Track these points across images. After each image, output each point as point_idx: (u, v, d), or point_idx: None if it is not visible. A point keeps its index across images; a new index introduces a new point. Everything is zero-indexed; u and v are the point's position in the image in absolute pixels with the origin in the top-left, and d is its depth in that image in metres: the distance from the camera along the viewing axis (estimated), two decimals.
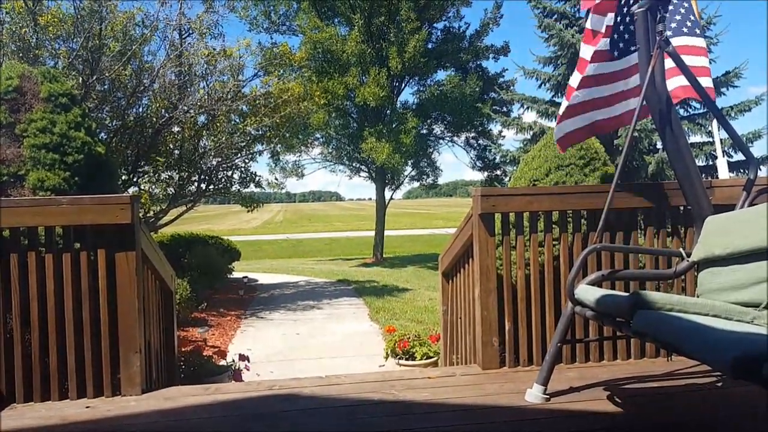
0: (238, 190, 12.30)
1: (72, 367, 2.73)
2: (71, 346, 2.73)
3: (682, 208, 3.12)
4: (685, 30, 3.44)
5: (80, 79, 8.34)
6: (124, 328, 2.78)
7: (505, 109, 19.43)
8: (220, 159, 11.33)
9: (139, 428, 2.42)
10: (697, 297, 2.46)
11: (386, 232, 23.52)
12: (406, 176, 23.18)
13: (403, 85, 21.14)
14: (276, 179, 17.03)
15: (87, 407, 2.65)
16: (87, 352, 2.75)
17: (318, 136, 21.70)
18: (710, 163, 12.65)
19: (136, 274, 2.79)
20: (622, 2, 3.11)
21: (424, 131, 21.71)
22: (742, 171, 12.11)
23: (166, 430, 2.40)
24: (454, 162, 38.60)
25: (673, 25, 3.44)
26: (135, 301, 2.79)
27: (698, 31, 3.50)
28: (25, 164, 3.26)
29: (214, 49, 10.20)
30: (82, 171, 3.40)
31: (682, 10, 3.50)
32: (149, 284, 3.26)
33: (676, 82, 3.27)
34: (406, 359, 5.24)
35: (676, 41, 3.26)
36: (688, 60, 3.16)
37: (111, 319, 2.78)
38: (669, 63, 2.71)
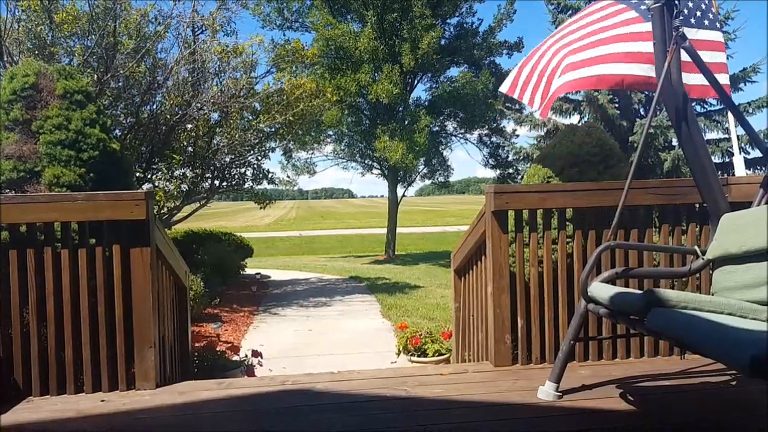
0: (251, 187, 12.35)
1: (87, 361, 2.77)
2: (86, 341, 2.77)
3: (697, 205, 3.08)
4: (706, 23, 3.40)
5: (95, 76, 8.41)
6: (139, 323, 2.81)
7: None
8: (233, 156, 11.38)
9: (154, 422, 2.45)
10: (712, 295, 2.43)
11: (398, 230, 23.50)
12: (419, 174, 23.14)
13: (416, 81, 21.08)
14: (288, 176, 17.10)
15: (102, 401, 2.68)
16: (102, 346, 2.79)
17: (330, 133, 21.73)
18: (727, 160, 12.48)
19: (150, 269, 2.82)
20: None
21: (437, 128, 21.63)
22: (759, 168, 11.93)
23: (181, 424, 2.42)
24: (466, 159, 38.37)
25: (692, 20, 3.39)
26: (149, 297, 2.81)
27: (718, 25, 3.46)
28: (41, 160, 3.30)
29: (227, 46, 10.24)
30: (97, 167, 3.44)
31: (703, 7, 3.46)
32: (163, 280, 3.29)
33: (693, 79, 3.23)
34: (418, 356, 5.24)
35: (693, 34, 3.22)
36: (706, 56, 3.12)
37: (126, 314, 2.81)
38: (685, 57, 2.67)
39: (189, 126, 10.27)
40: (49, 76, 3.53)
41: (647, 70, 3.20)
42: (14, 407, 2.61)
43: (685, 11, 3.36)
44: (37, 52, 8.01)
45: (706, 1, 3.46)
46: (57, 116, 3.40)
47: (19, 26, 8.11)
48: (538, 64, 3.52)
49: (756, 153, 12.00)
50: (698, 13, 3.42)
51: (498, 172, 21.44)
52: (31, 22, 8.19)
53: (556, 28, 13.99)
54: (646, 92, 12.60)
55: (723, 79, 3.21)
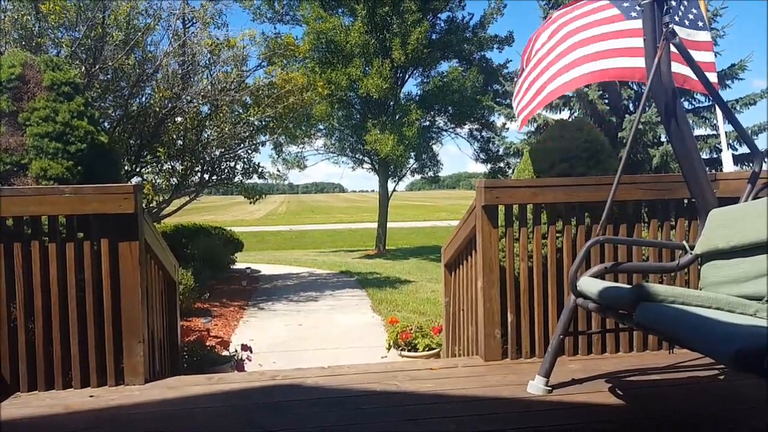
0: (241, 180, 12.30)
1: (75, 357, 2.75)
2: (75, 336, 2.74)
3: (686, 200, 3.11)
4: (687, 23, 3.42)
5: (83, 68, 8.32)
6: (128, 317, 2.79)
7: (508, 100, 19.33)
8: (222, 149, 11.31)
9: (143, 417, 2.44)
10: (700, 290, 2.46)
11: (389, 224, 23.50)
12: (409, 169, 23.15)
13: (407, 76, 21.05)
14: (278, 170, 17.03)
15: (91, 396, 2.66)
16: (90, 341, 2.76)
17: (321, 127, 21.67)
18: (715, 155, 12.59)
19: (139, 263, 2.80)
20: None
21: (427, 123, 21.63)
22: (746, 164, 12.04)
23: (170, 419, 2.41)
24: (457, 154, 38.66)
25: (683, 19, 3.42)
26: (138, 291, 2.79)
27: (701, 24, 3.48)
28: (27, 153, 3.26)
29: (218, 39, 10.16)
30: (85, 160, 3.40)
31: (687, 5, 3.48)
32: (152, 274, 3.26)
33: (676, 68, 3.25)
34: (409, 350, 5.26)
35: (682, 35, 3.24)
36: (695, 55, 3.14)
37: (114, 308, 2.78)
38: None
39: (179, 119, 10.19)
40: (36, 68, 3.48)
41: (634, 62, 3.23)
42: (2, 403, 2.58)
43: (679, 13, 3.38)
44: (23, 42, 7.90)
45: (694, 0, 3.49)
46: (44, 108, 3.35)
47: (4, 16, 7.99)
48: (526, 79, 3.57)
49: (744, 149, 12.08)
50: (687, 14, 3.44)
51: (489, 166, 21.49)
52: (17, 12, 8.06)
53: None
54: (635, 87, 12.68)
55: (711, 77, 3.23)
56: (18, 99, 3.37)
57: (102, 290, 2.77)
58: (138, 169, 10.20)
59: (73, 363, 2.75)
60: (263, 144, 12.90)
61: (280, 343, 7.20)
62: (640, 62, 3.08)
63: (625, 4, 3.32)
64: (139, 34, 9.02)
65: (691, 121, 12.31)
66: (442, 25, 20.84)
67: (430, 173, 23.64)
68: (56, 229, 2.77)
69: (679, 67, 3.18)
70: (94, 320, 2.77)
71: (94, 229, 2.81)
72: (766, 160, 2.65)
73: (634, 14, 3.27)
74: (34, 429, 2.34)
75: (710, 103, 12.42)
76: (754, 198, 2.59)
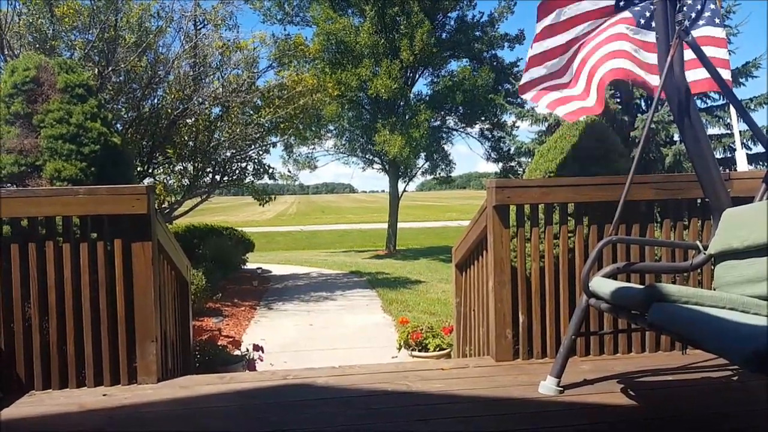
0: (252, 181, 12.36)
1: (89, 356, 2.77)
2: (88, 335, 2.77)
3: (699, 200, 3.08)
4: (701, 22, 3.39)
5: (96, 70, 8.41)
6: (141, 317, 2.81)
7: (519, 99, 19.25)
8: (234, 151, 11.38)
9: (156, 416, 2.46)
10: (714, 290, 2.43)
11: (399, 224, 23.50)
12: (419, 169, 23.12)
13: (417, 76, 21.04)
14: (289, 171, 17.12)
15: (104, 395, 2.69)
16: (104, 340, 2.79)
17: (331, 128, 21.72)
18: (729, 155, 12.45)
19: (152, 264, 2.82)
20: None
21: (437, 123, 21.59)
22: (761, 163, 11.91)
23: (182, 418, 2.43)
24: (467, 153, 38.34)
25: (692, 15, 3.38)
26: (151, 291, 2.82)
27: (717, 21, 3.45)
28: (42, 155, 3.30)
29: (229, 41, 10.23)
30: (98, 161, 3.44)
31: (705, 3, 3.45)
32: (165, 274, 3.29)
33: (693, 75, 3.22)
34: (419, 351, 5.25)
35: (695, 31, 3.21)
36: (708, 51, 3.11)
37: (127, 308, 2.81)
38: (687, 54, 2.66)
39: (190, 120, 10.27)
40: (50, 70, 3.52)
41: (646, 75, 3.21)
42: (17, 401, 2.61)
43: (692, 14, 3.35)
44: (38, 45, 8.01)
45: None
46: (58, 110, 3.39)
47: (19, 20, 8.10)
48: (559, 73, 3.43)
49: (758, 148, 11.94)
50: (700, 8, 3.41)
51: (500, 165, 21.41)
52: (32, 15, 8.17)
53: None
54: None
55: (725, 74, 3.20)
56: (32, 101, 3.41)
57: (115, 290, 2.80)
58: (150, 170, 10.29)
59: (87, 362, 2.77)
60: (274, 145, 12.98)
61: (291, 343, 7.23)
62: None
63: (637, 8, 3.29)
64: (151, 36, 9.09)
65: (704, 120, 12.19)
66: (452, 24, 20.81)
67: (442, 173, 23.57)
68: (70, 230, 2.80)
69: (697, 74, 3.16)
70: (108, 320, 2.79)
71: (108, 230, 2.83)
72: None
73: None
74: (48, 427, 2.36)
75: (724, 101, 12.30)
76: None
